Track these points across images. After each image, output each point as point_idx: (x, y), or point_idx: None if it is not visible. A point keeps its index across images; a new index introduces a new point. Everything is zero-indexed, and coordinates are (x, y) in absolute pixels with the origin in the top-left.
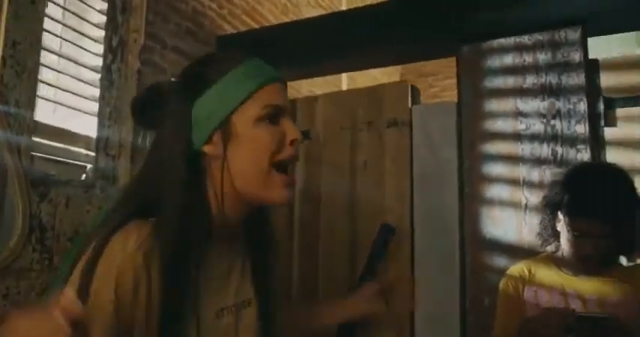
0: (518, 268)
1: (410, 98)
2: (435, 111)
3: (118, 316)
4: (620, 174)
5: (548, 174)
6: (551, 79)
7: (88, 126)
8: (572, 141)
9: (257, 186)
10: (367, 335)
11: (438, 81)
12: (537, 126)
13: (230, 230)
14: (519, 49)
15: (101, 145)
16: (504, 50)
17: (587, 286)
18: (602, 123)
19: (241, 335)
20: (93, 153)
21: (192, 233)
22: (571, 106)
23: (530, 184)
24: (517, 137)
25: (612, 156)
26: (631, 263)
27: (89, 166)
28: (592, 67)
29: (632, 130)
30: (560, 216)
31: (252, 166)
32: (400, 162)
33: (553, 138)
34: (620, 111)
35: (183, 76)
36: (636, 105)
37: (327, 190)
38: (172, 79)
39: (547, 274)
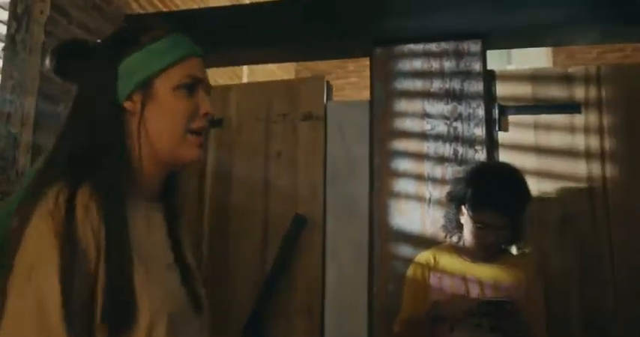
0: (424, 256)
1: (325, 94)
2: (349, 108)
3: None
4: (515, 173)
5: (449, 171)
6: (455, 85)
7: None
8: (470, 142)
9: (171, 145)
10: (277, 322)
11: (331, 80)
12: (441, 128)
13: (152, 191)
14: (427, 55)
15: (1, 122)
16: (414, 55)
17: (485, 272)
18: (497, 127)
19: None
20: None
21: (122, 187)
22: (471, 111)
23: (433, 180)
24: (423, 136)
25: (504, 157)
26: (519, 252)
27: None
28: (489, 77)
29: (521, 136)
30: (464, 209)
31: (167, 128)
32: (314, 154)
33: (455, 138)
34: (512, 118)
35: (113, 36)
36: (526, 114)
37: (239, 177)
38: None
39: (450, 261)
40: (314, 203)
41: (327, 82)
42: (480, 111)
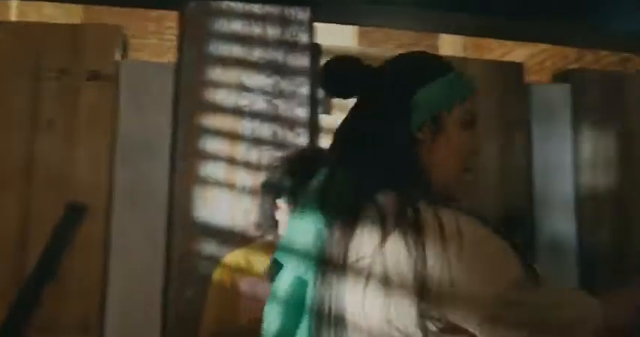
0: (234, 257)
1: (120, 48)
2: (150, 71)
3: None
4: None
5: (266, 155)
6: (279, 56)
7: None
8: (292, 123)
9: (450, 180)
10: None
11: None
12: (260, 104)
13: None
14: (249, 17)
15: None
16: (234, 15)
17: None
18: (320, 109)
19: None
20: None
21: None
22: (294, 88)
23: (247, 165)
24: (239, 113)
25: (327, 142)
26: None
27: None
28: (316, 52)
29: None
30: (282, 203)
31: (452, 163)
32: (99, 125)
33: (275, 118)
34: (335, 101)
35: (404, 65)
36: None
37: None
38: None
39: (266, 263)
40: (96, 187)
41: (124, 35)
42: (304, 90)
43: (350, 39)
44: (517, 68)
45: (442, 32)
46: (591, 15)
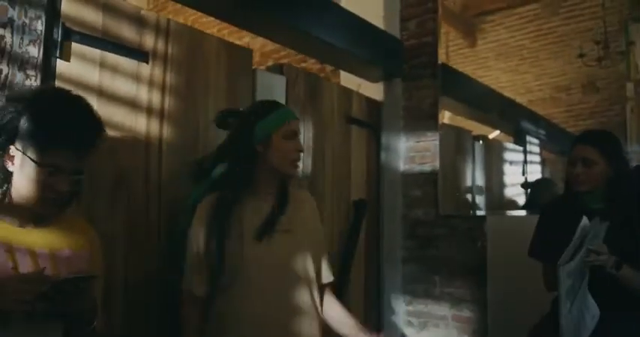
0: None
1: None
2: None
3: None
4: (85, 100)
5: None
6: None
7: None
8: (22, 62)
9: (282, 167)
10: None
11: None
12: None
13: (268, 187)
14: None
15: None
16: None
17: (39, 239)
18: (57, 53)
19: None
20: None
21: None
22: (27, 21)
23: None
24: None
25: None
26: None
27: None
28: None
29: (85, 71)
30: (17, 149)
31: (280, 160)
32: None
33: (0, 52)
34: (76, 47)
35: (251, 110)
36: (93, 46)
37: None
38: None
39: None
40: None
41: None
42: (40, 25)
43: None
44: (247, 53)
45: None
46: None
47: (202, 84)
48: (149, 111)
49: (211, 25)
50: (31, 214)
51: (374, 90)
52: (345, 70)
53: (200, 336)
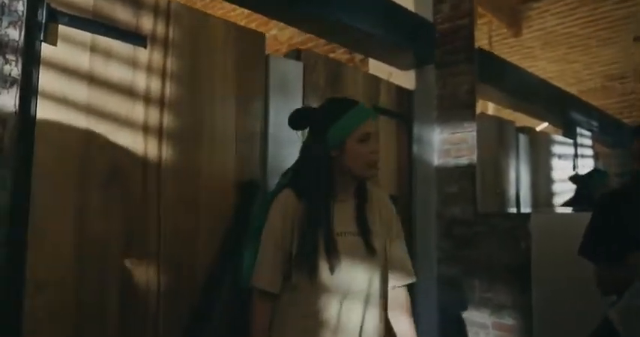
0: None
1: None
2: None
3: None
4: None
5: None
6: None
7: None
8: (1, 46)
9: (358, 171)
10: None
11: None
12: None
13: (347, 187)
14: None
15: None
16: None
17: None
18: (42, 36)
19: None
20: None
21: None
22: (6, 0)
23: None
24: None
25: (46, 79)
26: None
27: None
28: None
29: (73, 56)
30: None
31: (355, 164)
32: None
33: None
34: (63, 29)
35: (324, 112)
36: (83, 29)
37: None
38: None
39: None
40: None
41: None
42: (21, 5)
43: None
44: (259, 37)
45: None
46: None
47: (207, 70)
48: (147, 99)
49: (239, 18)
50: None
51: (405, 79)
52: (374, 57)
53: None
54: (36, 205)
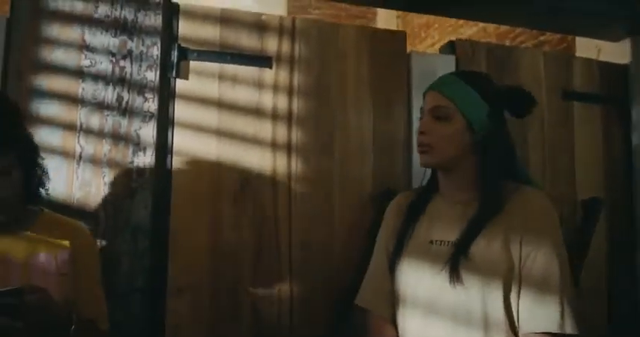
0: None
1: None
2: None
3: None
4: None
5: (110, 121)
6: (127, 14)
7: None
8: (140, 87)
9: None
10: None
11: None
12: (104, 65)
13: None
14: None
15: None
16: None
17: (5, 246)
18: (174, 73)
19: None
20: None
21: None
22: (144, 49)
23: (87, 131)
24: (79, 74)
25: (180, 110)
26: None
27: None
28: (172, 11)
29: (203, 86)
30: None
31: None
32: None
33: (120, 81)
34: (193, 64)
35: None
36: (210, 61)
37: None
38: None
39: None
40: None
41: None
42: (156, 51)
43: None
44: (398, 36)
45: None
46: None
47: (338, 79)
48: (274, 116)
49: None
50: None
51: (617, 53)
52: (579, 34)
53: None
54: (175, 220)
